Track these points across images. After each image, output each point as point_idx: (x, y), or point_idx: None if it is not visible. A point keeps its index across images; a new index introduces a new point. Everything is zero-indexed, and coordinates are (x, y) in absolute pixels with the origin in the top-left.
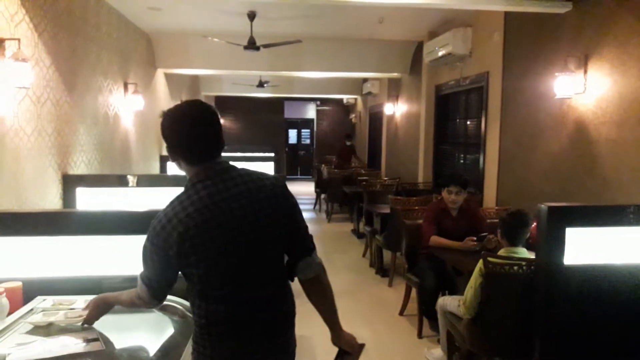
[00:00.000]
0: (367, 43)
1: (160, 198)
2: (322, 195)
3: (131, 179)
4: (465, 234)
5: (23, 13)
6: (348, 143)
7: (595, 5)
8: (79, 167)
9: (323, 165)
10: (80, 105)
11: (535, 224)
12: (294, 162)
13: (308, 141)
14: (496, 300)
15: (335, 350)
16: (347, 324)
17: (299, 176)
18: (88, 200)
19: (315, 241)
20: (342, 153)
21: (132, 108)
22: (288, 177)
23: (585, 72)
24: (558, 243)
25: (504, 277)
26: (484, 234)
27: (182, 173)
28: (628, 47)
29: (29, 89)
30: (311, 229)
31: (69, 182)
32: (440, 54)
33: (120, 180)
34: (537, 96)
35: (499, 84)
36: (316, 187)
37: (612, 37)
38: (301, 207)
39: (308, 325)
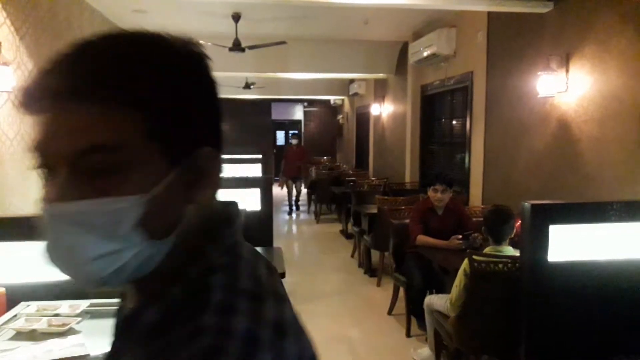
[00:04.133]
0: (353, 44)
1: None
2: (312, 196)
3: None
4: (452, 233)
5: (4, 16)
6: (294, 142)
7: (576, 4)
8: None
9: (313, 167)
10: None
11: (519, 221)
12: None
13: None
14: (482, 298)
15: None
16: (337, 324)
17: None
18: None
19: (305, 242)
20: (288, 157)
21: None
22: (276, 178)
23: (567, 71)
24: (542, 240)
25: (489, 275)
26: (469, 232)
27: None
28: (608, 45)
29: (11, 92)
30: (300, 228)
31: None
32: (425, 54)
33: None
34: (520, 95)
35: (483, 83)
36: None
37: (593, 36)
38: (288, 208)
39: None
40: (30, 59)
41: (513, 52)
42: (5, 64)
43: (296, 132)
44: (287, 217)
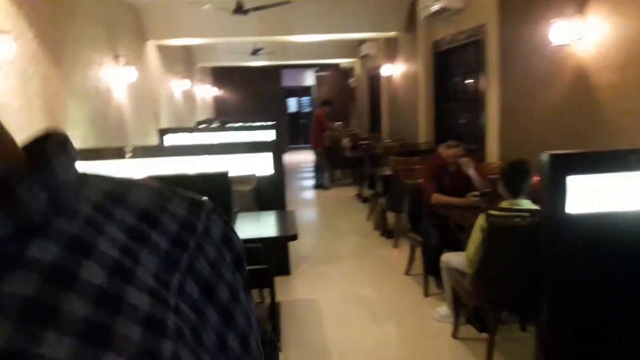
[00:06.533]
0: (360, 1)
1: (158, 169)
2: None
3: (128, 151)
4: (465, 190)
5: None
6: (328, 111)
7: None
8: (74, 143)
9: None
10: (70, 79)
11: (537, 177)
12: (295, 131)
13: (309, 109)
14: (500, 254)
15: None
16: (354, 286)
17: (301, 145)
18: None
19: (320, 208)
20: (324, 124)
21: (124, 81)
22: (290, 146)
23: (584, 16)
24: (560, 192)
25: (506, 230)
26: (487, 189)
27: (180, 142)
28: None
29: (12, 62)
30: (316, 195)
31: None
32: (434, 8)
33: (117, 153)
34: (535, 45)
35: (497, 36)
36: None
37: None
38: (303, 175)
39: (314, 289)
40: (30, 28)
41: (526, 0)
42: (3, 32)
43: (328, 99)
44: (304, 184)
